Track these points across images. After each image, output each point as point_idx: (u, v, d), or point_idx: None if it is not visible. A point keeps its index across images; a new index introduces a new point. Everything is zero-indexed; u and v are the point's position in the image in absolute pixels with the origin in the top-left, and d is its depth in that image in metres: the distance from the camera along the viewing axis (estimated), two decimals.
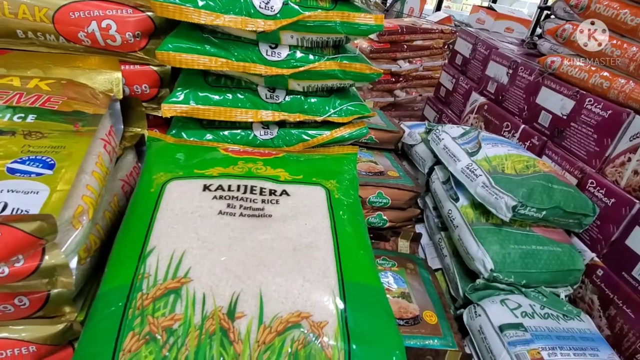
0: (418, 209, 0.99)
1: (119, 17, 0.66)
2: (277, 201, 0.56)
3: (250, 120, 0.71)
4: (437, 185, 0.99)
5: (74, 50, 0.69)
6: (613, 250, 0.84)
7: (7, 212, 0.42)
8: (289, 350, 0.41)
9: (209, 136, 0.73)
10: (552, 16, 1.33)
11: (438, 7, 4.02)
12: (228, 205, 0.54)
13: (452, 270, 0.88)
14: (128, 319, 0.41)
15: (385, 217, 0.90)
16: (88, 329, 0.42)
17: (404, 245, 0.95)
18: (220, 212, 0.52)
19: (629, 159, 0.84)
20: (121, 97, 0.68)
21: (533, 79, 1.16)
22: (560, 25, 1.08)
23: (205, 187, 0.56)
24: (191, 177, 0.58)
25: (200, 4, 0.61)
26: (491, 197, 0.81)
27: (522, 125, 1.17)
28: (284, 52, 0.68)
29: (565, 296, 0.83)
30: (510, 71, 1.26)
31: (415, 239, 0.96)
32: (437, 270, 0.93)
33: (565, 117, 1.03)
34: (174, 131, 0.72)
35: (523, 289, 0.79)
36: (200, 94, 0.69)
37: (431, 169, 1.05)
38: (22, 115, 0.54)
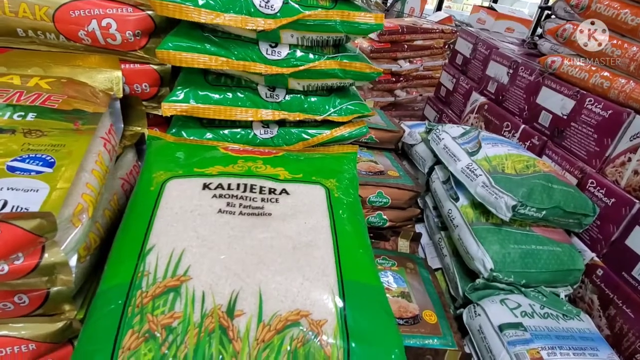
0: (418, 209, 0.99)
1: (119, 16, 0.66)
2: (276, 200, 0.56)
3: (250, 119, 0.71)
4: (437, 184, 0.99)
5: (74, 49, 0.69)
6: (613, 250, 0.84)
7: (7, 209, 0.42)
8: (288, 348, 0.41)
9: (208, 135, 0.73)
10: (553, 16, 1.33)
11: (439, 7, 4.02)
12: (228, 204, 0.54)
13: (452, 269, 0.88)
14: (127, 316, 0.41)
15: (385, 217, 0.90)
16: (87, 327, 0.42)
17: (403, 245, 0.95)
18: (219, 211, 0.52)
19: (629, 159, 0.84)
20: (121, 95, 0.68)
21: (533, 79, 1.16)
22: (561, 25, 1.08)
23: (205, 186, 0.56)
24: (191, 176, 0.58)
25: (201, 2, 0.61)
26: (491, 196, 0.81)
27: (523, 125, 1.17)
28: (284, 51, 0.68)
29: (565, 296, 0.83)
30: (511, 71, 1.26)
31: (415, 238, 0.96)
32: (437, 269, 0.93)
33: (565, 117, 1.03)
34: (174, 130, 0.72)
35: (523, 289, 0.79)
36: (200, 93, 0.69)
37: (431, 169, 1.05)
38: (22, 113, 0.54)
